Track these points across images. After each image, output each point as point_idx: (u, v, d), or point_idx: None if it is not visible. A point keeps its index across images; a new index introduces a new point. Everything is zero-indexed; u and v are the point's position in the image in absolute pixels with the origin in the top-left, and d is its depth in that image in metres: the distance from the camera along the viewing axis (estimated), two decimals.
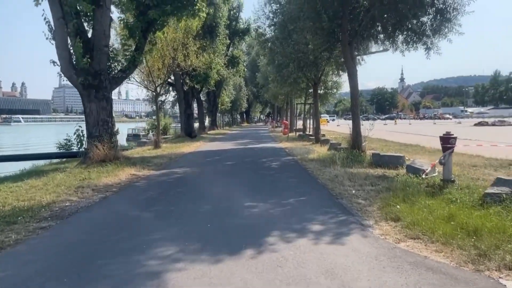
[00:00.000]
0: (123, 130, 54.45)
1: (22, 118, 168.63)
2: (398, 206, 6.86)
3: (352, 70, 14.38)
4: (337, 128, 50.53)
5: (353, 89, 14.50)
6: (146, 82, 21.69)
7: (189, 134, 30.91)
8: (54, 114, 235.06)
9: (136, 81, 21.25)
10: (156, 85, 21.81)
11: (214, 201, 7.95)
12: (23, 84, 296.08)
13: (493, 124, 52.62)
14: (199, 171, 12.56)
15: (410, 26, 12.76)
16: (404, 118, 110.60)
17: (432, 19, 12.24)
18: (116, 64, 14.58)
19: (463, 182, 8.61)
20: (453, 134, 8.68)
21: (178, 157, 17.27)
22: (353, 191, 8.57)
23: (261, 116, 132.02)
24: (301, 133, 31.28)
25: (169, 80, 31.20)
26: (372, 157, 12.56)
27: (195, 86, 30.04)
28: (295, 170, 12.28)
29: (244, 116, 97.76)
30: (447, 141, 8.53)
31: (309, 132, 32.11)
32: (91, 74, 13.27)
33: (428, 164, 10.44)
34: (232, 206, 7.39)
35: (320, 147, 20.34)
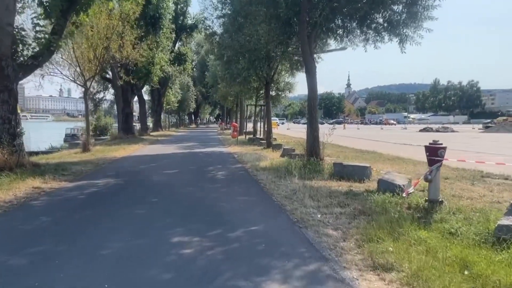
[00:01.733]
0: (61, 130, 49.82)
1: None
2: (385, 244, 4.97)
3: (310, 66, 12.57)
4: (287, 131, 49.30)
5: (311, 89, 12.71)
6: (74, 75, 18.69)
7: (127, 134, 27.95)
8: None
9: (61, 73, 18.19)
10: (86, 78, 18.87)
11: (130, 232, 5.66)
12: None
13: (437, 130, 54.03)
14: (124, 183, 10.11)
15: (381, 16, 11.15)
16: (351, 123, 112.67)
17: (404, 9, 10.70)
18: (25, 49, 11.73)
19: (450, 203, 6.95)
20: (441, 144, 6.98)
21: (106, 163, 14.60)
22: (319, 216, 6.62)
23: (211, 117, 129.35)
24: (252, 136, 29.36)
25: (106, 75, 28.14)
26: (334, 167, 10.77)
27: (135, 82, 27.12)
28: (245, 183, 10.20)
29: (193, 117, 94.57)
30: (435, 152, 6.80)
31: (260, 135, 30.27)
32: None
33: (401, 177, 8.77)
34: (153, 244, 5.14)
35: (272, 153, 18.45)
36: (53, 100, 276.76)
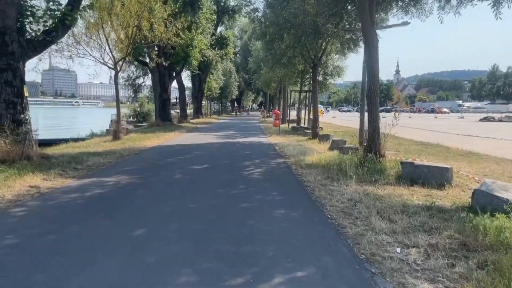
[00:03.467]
0: (109, 116, 49.78)
1: None
2: None
3: (371, 38, 10.12)
4: (333, 120, 46.44)
5: (372, 68, 10.26)
6: (103, 56, 17.21)
7: (164, 121, 26.56)
8: (42, 97, 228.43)
9: (90, 54, 16.73)
10: (116, 60, 17.35)
11: (107, 271, 3.73)
12: None
13: (500, 120, 49.16)
14: (138, 183, 8.27)
15: None
16: (402, 111, 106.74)
17: None
18: (35, 22, 10.13)
19: None
20: None
21: (131, 155, 12.96)
22: (398, 250, 4.40)
23: (253, 105, 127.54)
24: (295, 125, 27.07)
25: (143, 58, 26.79)
26: (402, 167, 8.39)
27: (168, 65, 25.37)
28: (287, 186, 8.04)
29: (235, 104, 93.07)
30: None
31: (304, 124, 27.92)
32: None
33: (506, 187, 6.29)
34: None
35: (319, 145, 16.14)
36: (103, 87, 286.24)
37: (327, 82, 26.51)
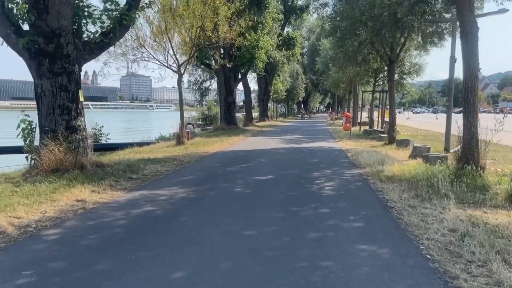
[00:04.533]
0: (178, 119, 51.00)
1: (91, 104, 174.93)
2: None
3: (470, 26, 8.32)
4: (408, 122, 43.20)
5: (469, 62, 8.45)
6: (167, 59, 16.82)
7: (229, 125, 25.96)
8: (120, 101, 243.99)
9: (154, 57, 16.41)
10: (179, 63, 16.88)
11: None
12: (94, 72, 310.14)
13: None
14: (194, 196, 7.31)
15: None
16: (483, 112, 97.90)
17: None
18: (92, 23, 9.67)
19: None
20: None
21: (192, 162, 12.21)
22: None
23: (321, 106, 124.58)
24: (367, 128, 25.07)
25: (208, 61, 26.42)
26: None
27: (232, 66, 24.63)
28: (366, 208, 6.57)
29: (302, 106, 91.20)
30: None
31: (377, 127, 25.80)
32: (43, 34, 8.51)
33: None
34: None
35: (398, 151, 14.32)
36: (175, 91, 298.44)
37: (404, 81, 24.19)
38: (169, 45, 16.71)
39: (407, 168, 9.77)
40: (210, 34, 16.39)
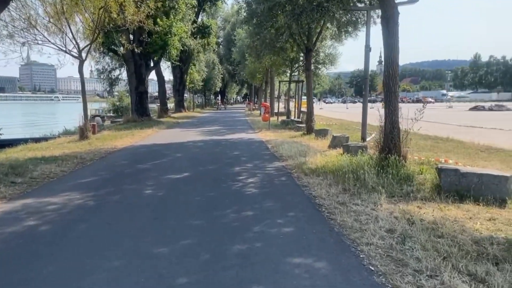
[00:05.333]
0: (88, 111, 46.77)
1: None
2: None
3: (391, 12, 8.05)
4: (321, 111, 44.53)
5: (390, 49, 8.21)
6: (65, 43, 14.76)
7: (141, 117, 24.18)
8: (20, 92, 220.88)
9: (48, 40, 14.27)
10: (80, 48, 14.93)
11: None
12: None
13: (490, 109, 48.14)
14: (93, 204, 6.06)
15: None
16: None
17: None
18: None
19: None
20: None
21: (95, 159, 10.71)
22: None
23: (238, 97, 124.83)
24: (285, 118, 24.98)
25: (115, 47, 24.26)
26: (442, 176, 6.37)
27: (151, 56, 23.08)
28: (294, 206, 5.91)
29: (219, 97, 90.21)
30: None
31: (294, 117, 25.87)
32: None
33: None
34: None
35: (317, 141, 14.13)
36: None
37: (319, 71, 24.42)
38: (67, 28, 14.68)
39: (330, 160, 9.40)
40: (115, 16, 14.67)
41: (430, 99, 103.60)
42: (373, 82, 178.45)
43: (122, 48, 22.07)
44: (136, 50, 18.89)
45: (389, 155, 8.13)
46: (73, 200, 6.26)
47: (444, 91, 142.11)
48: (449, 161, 9.25)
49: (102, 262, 3.88)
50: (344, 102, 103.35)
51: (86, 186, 7.37)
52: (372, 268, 3.69)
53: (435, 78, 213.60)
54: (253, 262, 3.86)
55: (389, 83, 8.42)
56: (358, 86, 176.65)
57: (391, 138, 8.40)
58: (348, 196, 6.31)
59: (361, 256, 3.97)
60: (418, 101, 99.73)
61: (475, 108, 50.17)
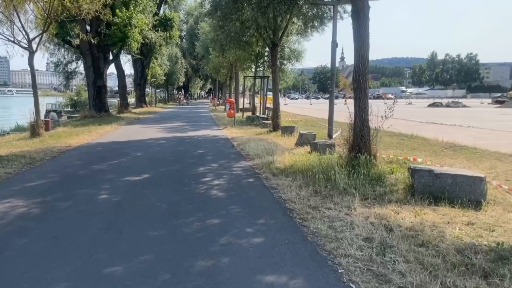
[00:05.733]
0: (42, 105, 44.29)
1: None
2: None
3: (362, 6, 7.76)
4: (286, 107, 44.47)
5: (361, 44, 7.93)
6: (13, 33, 13.61)
7: (100, 112, 23.04)
8: None
9: None
10: (30, 38, 13.83)
11: None
12: None
13: (448, 105, 49.86)
14: (39, 212, 5.37)
15: None
16: (349, 97, 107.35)
17: None
18: None
19: None
20: None
21: (46, 159, 9.85)
22: None
23: (202, 92, 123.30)
24: (250, 114, 24.56)
25: (71, 39, 22.90)
26: (415, 177, 6.14)
27: (110, 48, 21.97)
28: (264, 212, 5.49)
29: (182, 91, 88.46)
30: None
31: (259, 113, 25.50)
32: None
33: None
34: None
35: (284, 138, 13.82)
36: (40, 74, 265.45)
37: (284, 67, 24.14)
38: (16, 16, 13.55)
39: (298, 159, 9.05)
40: (69, 5, 13.67)
41: (390, 96, 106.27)
42: (336, 78, 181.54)
43: (78, 39, 20.84)
44: (92, 41, 17.81)
45: (359, 154, 7.88)
46: (16, 208, 5.55)
47: (403, 88, 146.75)
48: (418, 159, 9.14)
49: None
50: (307, 98, 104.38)
51: (33, 190, 6.63)
52: (353, 286, 3.31)
53: (394, 75, 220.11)
54: (220, 282, 3.40)
55: (359, 79, 8.15)
56: (321, 82, 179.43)
57: (361, 137, 8.15)
58: (320, 199, 5.96)
59: (339, 271, 3.60)
60: (378, 97, 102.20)
61: (433, 105, 51.76)
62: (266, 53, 23.51)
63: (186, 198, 6.23)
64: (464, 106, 49.42)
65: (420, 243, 4.12)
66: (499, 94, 68.86)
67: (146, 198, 6.22)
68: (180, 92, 68.81)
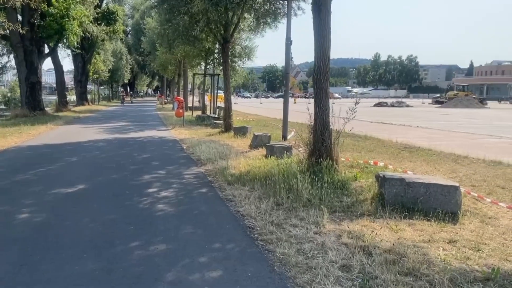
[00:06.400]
0: None
1: None
2: None
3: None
4: (236, 106, 43.64)
5: (323, 38, 7.31)
6: None
7: (34, 111, 21.00)
8: None
9: None
10: None
11: None
12: None
13: (392, 105, 51.44)
14: None
15: None
16: (298, 97, 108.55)
17: None
18: None
19: None
20: None
21: None
22: None
23: (149, 90, 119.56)
24: (200, 113, 23.54)
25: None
26: (384, 186, 5.59)
27: (44, 41, 20.02)
28: (219, 235, 4.64)
29: (129, 89, 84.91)
30: None
31: (210, 112, 24.56)
32: None
33: None
34: None
35: (237, 140, 13.06)
36: None
37: (235, 65, 23.36)
38: None
39: (255, 164, 8.31)
40: None
41: (337, 95, 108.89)
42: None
43: (8, 30, 18.75)
44: (21, 31, 15.98)
45: (321, 159, 7.30)
46: None
47: (349, 88, 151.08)
48: (379, 163, 8.72)
49: None
50: (257, 97, 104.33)
51: None
52: None
53: (340, 75, 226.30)
54: None
55: (320, 78, 7.55)
56: (270, 81, 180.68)
57: (322, 140, 7.56)
58: (283, 213, 5.25)
59: None
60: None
61: (379, 104, 53.21)
62: (217, 50, 22.64)
63: (126, 216, 5.26)
64: (408, 106, 51.24)
65: (406, 271, 3.50)
66: (439, 95, 72.38)
67: (77, 217, 5.18)
68: (122, 90, 63.95)
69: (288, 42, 13.09)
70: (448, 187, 5.28)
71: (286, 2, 13.48)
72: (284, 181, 6.46)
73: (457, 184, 5.35)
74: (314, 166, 7.23)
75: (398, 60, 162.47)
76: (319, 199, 5.71)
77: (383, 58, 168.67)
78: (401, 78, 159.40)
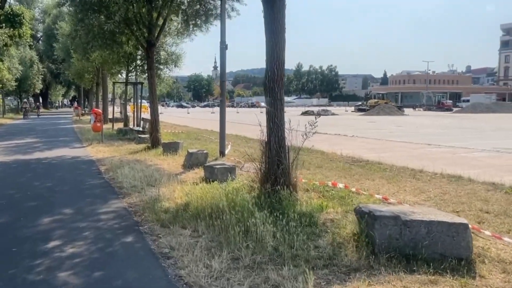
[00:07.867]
0: None
1: None
2: None
3: None
4: (162, 117, 41.12)
5: (277, 40, 5.93)
6: None
7: None
8: None
9: None
10: None
11: None
12: None
13: (319, 114, 52.12)
14: None
15: None
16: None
17: None
18: None
19: None
20: None
21: None
22: None
23: (65, 100, 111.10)
24: (122, 126, 21.10)
25: None
26: (375, 228, 4.26)
27: None
28: None
29: (41, 100, 77.36)
30: None
31: (133, 125, 22.20)
32: None
33: None
34: None
35: (167, 158, 11.25)
36: None
37: (161, 72, 21.35)
38: None
39: (194, 192, 6.64)
40: None
41: (263, 104, 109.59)
42: (210, 87, 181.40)
43: None
44: None
45: (278, 186, 5.88)
46: None
47: None
48: (339, 184, 7.51)
49: None
50: (180, 106, 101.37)
51: None
52: None
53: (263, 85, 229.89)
54: None
55: (274, 87, 6.16)
56: (196, 90, 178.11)
57: (278, 162, 6.15)
58: (246, 276, 3.69)
59: None
60: (253, 105, 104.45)
61: (306, 113, 53.74)
62: (139, 56, 20.50)
63: None
64: (333, 114, 52.35)
65: None
66: (360, 103, 75.42)
67: None
68: (25, 101, 53.79)
69: (223, 46, 11.66)
70: (456, 225, 4.09)
71: (219, 2, 12.06)
72: (237, 220, 4.92)
73: (465, 221, 4.19)
74: (270, 196, 5.79)
75: (319, 70, 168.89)
76: (289, 247, 4.25)
77: (305, 68, 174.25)
78: (322, 87, 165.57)
